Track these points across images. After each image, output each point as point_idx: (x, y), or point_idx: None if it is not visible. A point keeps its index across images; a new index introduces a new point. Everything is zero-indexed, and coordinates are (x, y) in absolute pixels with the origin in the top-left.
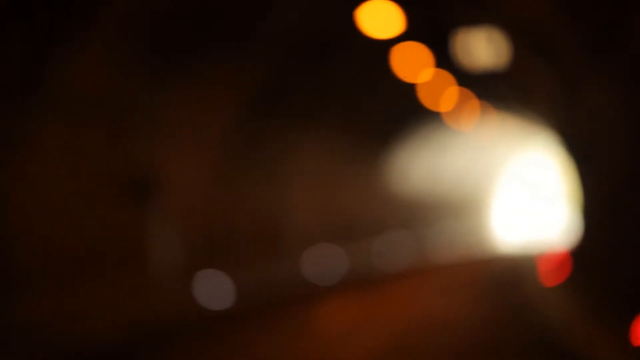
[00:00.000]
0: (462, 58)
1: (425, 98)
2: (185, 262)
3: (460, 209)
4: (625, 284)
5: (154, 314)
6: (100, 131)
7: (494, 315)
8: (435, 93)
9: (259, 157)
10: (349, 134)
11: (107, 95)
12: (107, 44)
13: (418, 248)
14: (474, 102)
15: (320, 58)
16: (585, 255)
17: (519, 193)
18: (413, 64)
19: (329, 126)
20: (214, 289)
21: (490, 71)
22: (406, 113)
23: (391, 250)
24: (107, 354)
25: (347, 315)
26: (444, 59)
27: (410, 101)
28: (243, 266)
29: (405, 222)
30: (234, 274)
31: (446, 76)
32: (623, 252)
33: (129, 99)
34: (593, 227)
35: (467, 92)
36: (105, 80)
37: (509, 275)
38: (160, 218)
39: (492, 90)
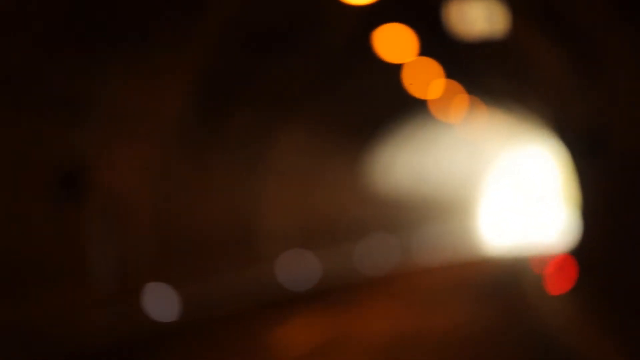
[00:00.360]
0: (456, 30)
1: (411, 88)
2: (129, 271)
3: (450, 209)
4: (627, 287)
5: (91, 330)
6: (28, 121)
7: (491, 322)
8: (423, 84)
9: (224, 151)
10: (328, 127)
11: (36, 79)
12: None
13: (403, 252)
14: (464, 96)
15: (293, 41)
16: (585, 257)
17: (513, 192)
18: (398, 50)
19: (307, 119)
20: (163, 301)
21: (484, 59)
22: (391, 106)
23: (374, 255)
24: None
25: (323, 329)
26: (433, 48)
27: (395, 93)
28: (202, 275)
29: (389, 224)
30: (189, 284)
31: (435, 66)
32: (625, 253)
33: (62, 84)
34: (593, 228)
35: (456, 85)
36: (33, 62)
37: (505, 279)
38: (98, 220)
39: (484, 82)
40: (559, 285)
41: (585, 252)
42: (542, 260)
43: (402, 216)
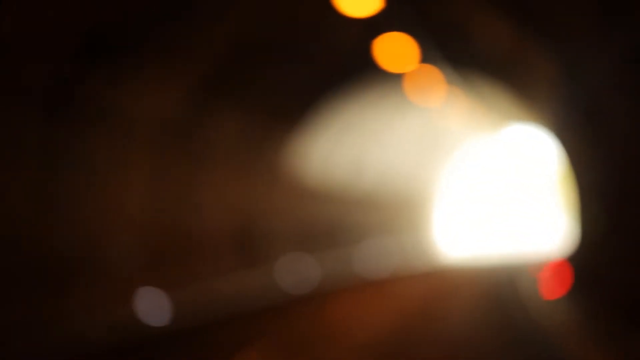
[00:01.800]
0: None
1: (358, 54)
2: None
3: (410, 209)
4: (625, 293)
5: None
6: None
7: (483, 332)
8: (374, 48)
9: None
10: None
11: None
12: None
13: (347, 265)
14: (429, 69)
15: None
16: (582, 261)
17: (498, 190)
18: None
19: (196, 87)
20: None
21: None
22: (329, 74)
23: (295, 278)
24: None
25: None
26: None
27: (335, 58)
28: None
29: (328, 231)
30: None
31: (389, 22)
32: (623, 258)
33: None
34: (591, 230)
35: (419, 53)
36: None
37: (496, 289)
38: None
39: (458, 53)
40: (553, 289)
41: (583, 256)
42: (536, 267)
43: (343, 224)
